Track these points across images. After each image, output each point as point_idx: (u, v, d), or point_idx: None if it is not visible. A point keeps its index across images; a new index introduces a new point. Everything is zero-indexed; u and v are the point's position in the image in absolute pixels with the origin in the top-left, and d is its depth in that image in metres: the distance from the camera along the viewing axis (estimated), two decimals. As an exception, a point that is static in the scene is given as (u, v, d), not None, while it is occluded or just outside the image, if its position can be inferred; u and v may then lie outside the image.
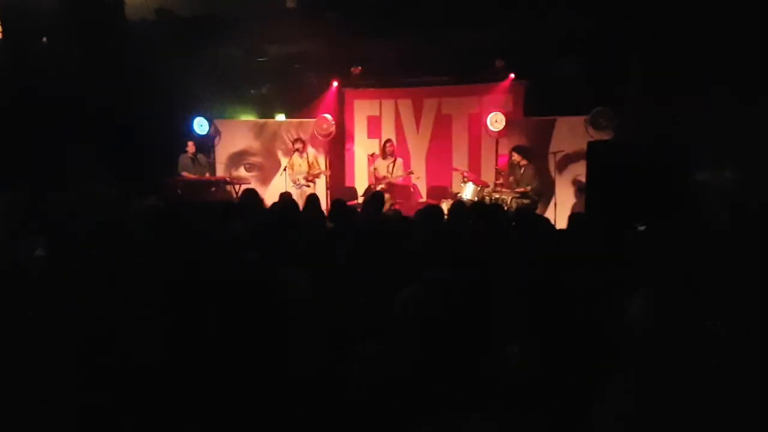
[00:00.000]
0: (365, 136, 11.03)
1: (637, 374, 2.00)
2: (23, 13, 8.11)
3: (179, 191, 9.13)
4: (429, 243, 3.64)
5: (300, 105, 11.04)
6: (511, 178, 8.99)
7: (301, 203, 6.52)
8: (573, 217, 5.05)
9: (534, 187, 8.67)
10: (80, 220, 4.93)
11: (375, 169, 9.74)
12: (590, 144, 7.12)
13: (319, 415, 2.19)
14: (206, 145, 10.79)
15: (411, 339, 2.19)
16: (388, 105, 10.77)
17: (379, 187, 9.37)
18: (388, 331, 2.28)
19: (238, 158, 11.05)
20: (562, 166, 9.16)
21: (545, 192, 8.92)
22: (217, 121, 10.92)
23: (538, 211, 8.40)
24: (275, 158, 10.94)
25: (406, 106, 10.66)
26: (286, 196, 6.58)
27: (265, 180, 10.92)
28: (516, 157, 8.90)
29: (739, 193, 6.34)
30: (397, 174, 9.62)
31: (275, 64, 10.43)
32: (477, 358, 2.19)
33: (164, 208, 6.06)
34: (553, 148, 9.17)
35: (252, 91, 11.14)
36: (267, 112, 11.26)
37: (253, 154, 11.06)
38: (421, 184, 10.58)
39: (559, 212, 8.42)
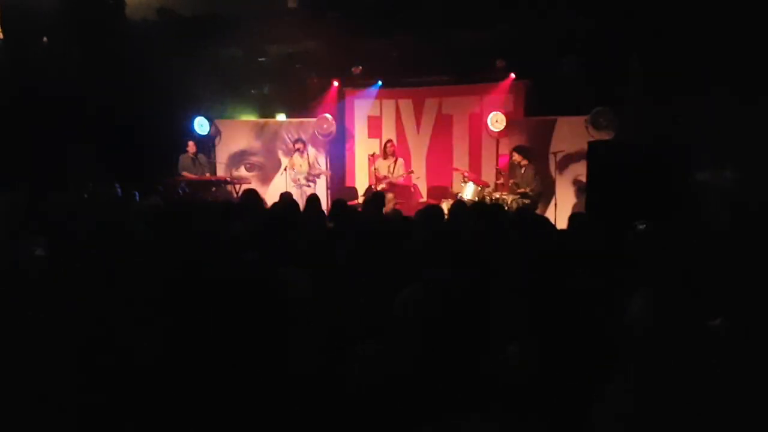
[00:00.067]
0: (366, 135, 11.03)
1: (637, 374, 2.00)
2: (23, 13, 8.12)
3: (180, 191, 9.13)
4: (429, 243, 3.64)
5: (300, 105, 11.03)
6: (512, 179, 8.98)
7: (301, 203, 6.52)
8: (573, 217, 5.05)
9: (534, 187, 8.67)
10: (80, 220, 4.94)
11: (376, 169, 9.74)
12: (591, 144, 7.12)
13: (319, 415, 2.19)
14: (207, 145, 10.80)
15: (411, 339, 2.19)
16: (388, 105, 10.76)
17: (379, 187, 9.38)
18: (388, 331, 2.28)
19: (238, 158, 11.05)
20: (562, 166, 9.15)
21: (546, 192, 8.91)
22: (217, 121, 10.92)
23: (538, 211, 8.40)
24: (276, 158, 10.94)
25: (406, 106, 10.66)
26: (286, 196, 6.58)
27: (266, 180, 10.93)
28: (516, 157, 8.90)
29: (739, 193, 6.33)
30: (398, 174, 9.63)
31: (276, 63, 10.42)
32: (477, 358, 2.19)
33: (164, 208, 6.07)
34: (553, 148, 9.16)
35: (252, 91, 11.14)
36: (267, 112, 11.26)
37: (253, 154, 11.07)
38: (421, 184, 10.58)
39: (560, 212, 8.41)
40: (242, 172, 10.98)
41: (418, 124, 10.60)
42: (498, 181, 9.17)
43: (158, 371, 2.42)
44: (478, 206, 6.49)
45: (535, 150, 9.13)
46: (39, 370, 2.45)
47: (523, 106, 9.90)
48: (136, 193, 7.17)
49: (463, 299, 2.44)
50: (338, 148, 11.10)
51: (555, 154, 8.92)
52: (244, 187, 8.55)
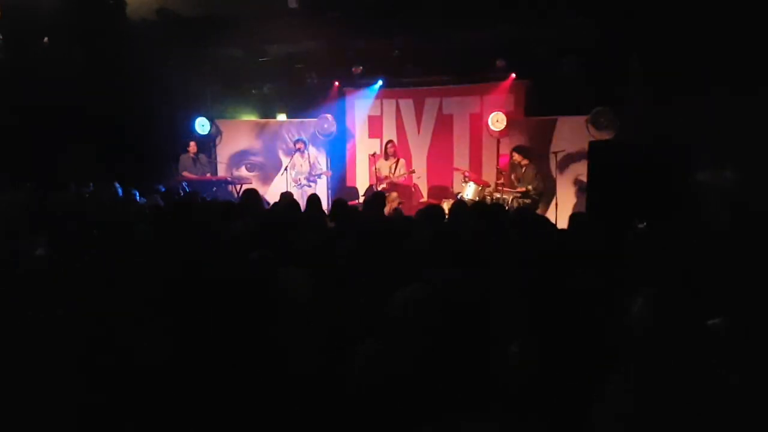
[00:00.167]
0: (366, 135, 11.02)
1: (637, 374, 2.00)
2: (23, 13, 8.12)
3: (180, 191, 9.14)
4: (430, 243, 3.64)
5: (301, 105, 11.04)
6: (513, 176, 8.98)
7: (302, 203, 6.52)
8: (574, 217, 5.05)
9: (535, 186, 8.67)
10: (80, 220, 4.94)
11: (377, 169, 9.74)
12: (591, 144, 7.12)
13: (320, 415, 2.19)
14: (207, 145, 10.81)
15: (411, 339, 2.19)
16: (389, 105, 10.76)
17: (380, 187, 9.38)
18: (388, 330, 2.28)
19: (239, 158, 11.07)
20: (563, 166, 9.15)
21: (546, 192, 8.90)
22: (218, 121, 10.93)
23: (539, 211, 8.39)
24: (276, 158, 10.95)
25: (407, 106, 10.65)
26: (287, 196, 6.58)
27: (267, 180, 10.94)
28: (517, 156, 8.90)
29: (739, 193, 6.33)
30: (400, 174, 9.63)
31: (276, 63, 10.42)
32: (477, 358, 2.19)
33: (165, 207, 6.07)
34: (554, 147, 9.15)
35: (253, 91, 11.14)
36: (268, 112, 11.27)
37: (254, 154, 11.08)
38: (422, 183, 10.57)
39: (560, 212, 8.41)
40: (243, 171, 10.99)
41: (418, 124, 10.60)
42: (498, 181, 9.16)
43: (158, 371, 2.42)
44: (479, 206, 6.49)
45: (535, 150, 9.13)
46: (39, 370, 2.46)
47: (524, 106, 9.90)
48: (137, 193, 7.18)
49: (463, 299, 2.44)
50: (339, 147, 11.10)
51: (555, 153, 8.91)
52: (245, 186, 8.55)
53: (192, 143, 10.00)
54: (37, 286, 3.26)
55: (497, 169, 9.62)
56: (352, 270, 3.44)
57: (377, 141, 10.71)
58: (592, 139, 8.18)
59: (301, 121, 10.90)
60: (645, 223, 4.97)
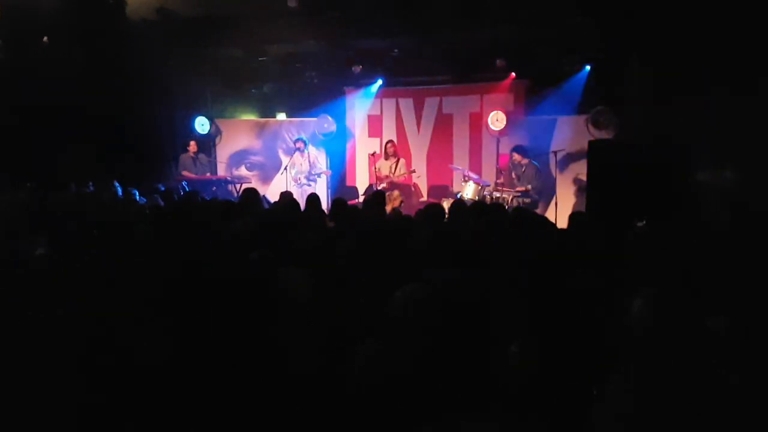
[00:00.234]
0: (366, 135, 11.02)
1: (637, 374, 2.00)
2: (23, 13, 8.11)
3: (180, 191, 9.14)
4: (430, 242, 3.64)
5: (301, 104, 11.04)
6: (513, 176, 8.98)
7: (302, 202, 6.52)
8: (573, 217, 5.05)
9: (535, 186, 8.67)
10: (80, 219, 4.94)
11: (378, 169, 9.74)
12: (591, 143, 7.11)
13: (320, 415, 2.19)
14: (207, 145, 10.81)
15: (411, 339, 2.19)
16: (388, 104, 10.75)
17: (380, 186, 9.37)
18: (388, 330, 2.28)
19: (239, 157, 11.07)
20: (562, 166, 9.14)
21: (546, 191, 8.91)
22: (218, 120, 10.93)
23: (538, 211, 8.39)
24: (276, 157, 10.95)
25: (407, 105, 10.64)
26: (286, 196, 6.58)
27: (266, 179, 10.94)
28: (517, 156, 8.90)
29: (739, 193, 6.32)
30: (400, 173, 9.63)
31: (276, 63, 10.42)
32: (477, 358, 2.19)
33: (165, 207, 6.07)
34: (553, 147, 9.15)
35: (253, 91, 11.15)
36: (268, 111, 11.27)
37: (254, 153, 11.08)
38: (421, 183, 10.57)
39: (560, 211, 8.40)
40: (243, 171, 10.99)
41: (418, 124, 10.59)
42: (498, 181, 9.16)
43: (158, 371, 2.42)
44: (479, 206, 6.48)
45: (535, 149, 9.13)
46: (39, 370, 2.46)
47: (524, 106, 9.90)
48: (137, 193, 7.18)
49: (463, 299, 2.44)
50: (338, 147, 11.09)
51: (555, 153, 8.91)
52: (245, 186, 8.56)
53: (192, 143, 10.00)
54: (37, 286, 3.26)
55: (497, 168, 9.63)
56: (352, 270, 3.44)
57: (377, 140, 10.70)
58: (591, 138, 8.18)
59: (301, 120, 10.90)
60: (644, 222, 4.96)
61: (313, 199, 5.90)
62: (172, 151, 10.04)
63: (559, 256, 3.43)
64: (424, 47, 9.53)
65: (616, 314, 2.25)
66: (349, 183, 11.09)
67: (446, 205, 6.91)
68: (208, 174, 10.14)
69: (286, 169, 9.97)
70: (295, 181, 9.98)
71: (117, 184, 7.48)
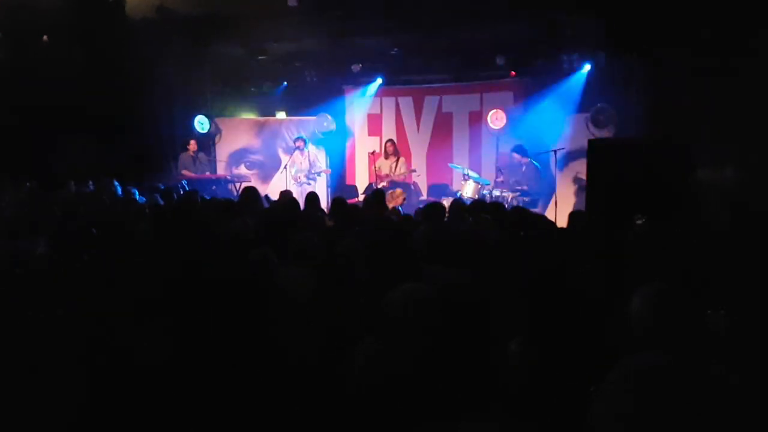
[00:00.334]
0: (366, 133, 11.02)
1: (637, 374, 1.99)
2: (23, 12, 8.11)
3: (180, 190, 9.14)
4: (429, 242, 3.63)
5: (300, 103, 11.03)
6: (512, 177, 8.98)
7: (301, 201, 6.52)
8: (573, 216, 5.05)
9: (534, 184, 8.67)
10: (80, 219, 4.94)
11: (378, 167, 9.74)
12: (591, 142, 7.11)
13: (320, 415, 2.19)
14: (207, 143, 10.80)
15: (411, 339, 2.19)
16: (388, 103, 10.75)
17: (381, 185, 9.37)
18: (388, 330, 2.28)
19: (238, 156, 11.06)
20: (562, 164, 9.14)
21: (546, 190, 8.90)
22: (217, 119, 10.92)
23: (538, 210, 8.39)
24: (276, 156, 10.95)
25: (406, 104, 10.64)
26: (286, 194, 6.58)
27: (266, 178, 10.94)
28: (516, 156, 8.90)
29: (739, 193, 6.32)
30: (401, 172, 9.63)
31: (276, 62, 10.41)
32: (477, 358, 2.19)
33: (164, 207, 6.07)
34: (553, 146, 9.14)
35: (252, 89, 11.14)
36: (268, 110, 11.26)
37: (253, 152, 11.08)
38: (421, 181, 10.57)
39: (560, 210, 8.40)
40: (242, 170, 10.98)
41: (418, 122, 10.59)
42: (498, 179, 9.16)
43: (158, 371, 2.42)
44: (478, 204, 6.48)
45: (535, 148, 9.12)
46: (39, 370, 2.46)
47: (523, 104, 9.89)
48: (136, 192, 7.17)
49: (464, 299, 2.44)
50: (338, 145, 11.09)
51: (555, 151, 8.90)
52: (245, 185, 8.55)
53: (192, 141, 9.99)
54: (37, 286, 3.26)
55: (497, 167, 9.62)
56: (351, 269, 3.44)
57: (377, 139, 10.70)
58: (591, 137, 8.17)
59: (301, 119, 10.89)
60: (644, 219, 4.96)
61: (312, 197, 5.90)
62: (171, 150, 10.04)
63: (558, 256, 3.44)
64: (424, 46, 9.52)
65: (616, 314, 2.25)
66: (348, 182, 11.09)
67: (446, 203, 6.91)
68: (207, 173, 10.13)
69: (285, 167, 9.97)
70: (295, 179, 9.98)
71: (116, 183, 7.47)
